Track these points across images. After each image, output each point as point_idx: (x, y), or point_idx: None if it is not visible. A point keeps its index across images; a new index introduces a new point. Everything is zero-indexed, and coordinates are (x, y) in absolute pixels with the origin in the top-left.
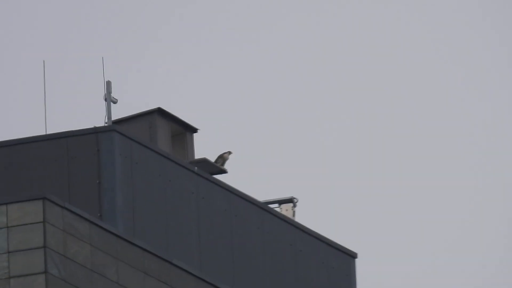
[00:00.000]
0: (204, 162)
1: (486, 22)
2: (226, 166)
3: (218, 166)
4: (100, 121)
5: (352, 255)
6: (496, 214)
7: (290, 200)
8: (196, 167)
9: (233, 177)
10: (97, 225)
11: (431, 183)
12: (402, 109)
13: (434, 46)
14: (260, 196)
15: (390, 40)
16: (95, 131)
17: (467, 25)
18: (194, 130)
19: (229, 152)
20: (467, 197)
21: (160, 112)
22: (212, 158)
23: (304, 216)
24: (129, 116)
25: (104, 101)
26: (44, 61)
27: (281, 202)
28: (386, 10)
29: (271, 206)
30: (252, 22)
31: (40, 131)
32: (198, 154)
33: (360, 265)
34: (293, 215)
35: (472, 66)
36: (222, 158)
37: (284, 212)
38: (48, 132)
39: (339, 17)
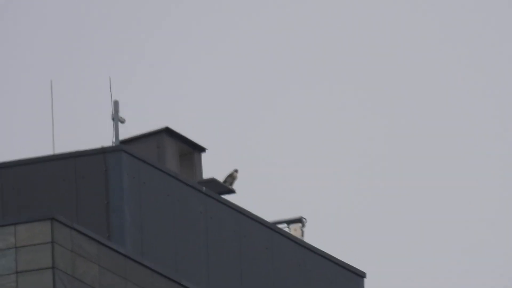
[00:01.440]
0: (212, 182)
1: (486, 22)
2: (234, 185)
3: (227, 186)
4: (107, 141)
5: (361, 275)
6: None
7: (299, 220)
8: (204, 187)
9: (241, 197)
10: (105, 245)
11: (441, 206)
12: (413, 119)
13: (434, 46)
14: (269, 216)
15: (389, 40)
16: (103, 151)
17: (467, 25)
18: (202, 149)
19: (236, 171)
20: (481, 221)
21: (167, 131)
22: (220, 178)
23: (312, 236)
24: (136, 135)
25: (112, 121)
26: (51, 81)
27: (289, 222)
28: (386, 10)
29: (280, 226)
30: (262, 40)
31: (47, 151)
32: (206, 174)
33: (369, 284)
34: (302, 235)
35: (473, 66)
36: (232, 177)
37: (293, 232)
38: (56, 152)
39: (338, 17)
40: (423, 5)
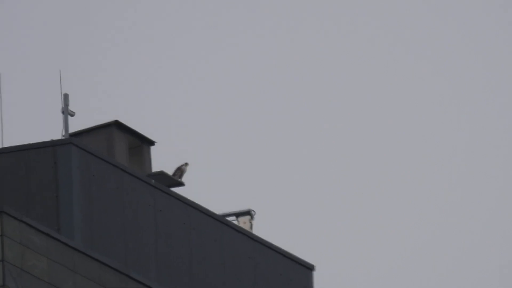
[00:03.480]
0: (161, 174)
1: (486, 22)
2: (184, 178)
3: (177, 178)
4: (57, 134)
5: (310, 267)
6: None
7: (248, 213)
8: (153, 180)
9: (190, 190)
10: (54, 238)
11: (390, 192)
12: (358, 116)
13: (435, 45)
14: (218, 208)
15: (388, 40)
16: (52, 144)
17: (468, 25)
18: (151, 142)
19: (186, 164)
20: (427, 204)
21: (117, 125)
22: (169, 171)
23: (261, 229)
24: (86, 129)
25: (62, 114)
26: (0, 74)
27: (238, 214)
28: (385, 9)
29: (229, 218)
30: (204, 32)
31: None
32: (155, 167)
33: (317, 276)
34: (251, 227)
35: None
36: (180, 170)
37: (241, 225)
38: (5, 145)
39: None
40: (423, 5)
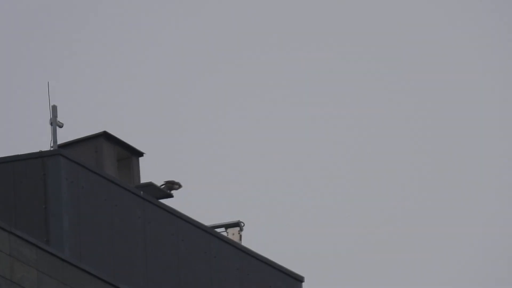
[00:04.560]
0: (150, 186)
1: (487, 21)
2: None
3: (165, 190)
4: (46, 146)
5: (299, 279)
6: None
7: (237, 224)
8: (142, 191)
9: (179, 201)
10: (43, 249)
11: (380, 202)
12: (348, 127)
13: (434, 45)
14: (207, 220)
15: (387, 39)
16: (40, 155)
17: (469, 25)
18: (140, 154)
19: (180, 186)
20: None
21: (105, 136)
22: (158, 182)
23: (250, 240)
24: (74, 140)
25: (50, 125)
26: None
27: (227, 226)
28: (386, 9)
29: (218, 230)
30: (201, 42)
31: None
32: (144, 178)
33: None
34: (240, 239)
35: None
36: (171, 183)
37: (230, 236)
38: None
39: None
40: (423, 5)
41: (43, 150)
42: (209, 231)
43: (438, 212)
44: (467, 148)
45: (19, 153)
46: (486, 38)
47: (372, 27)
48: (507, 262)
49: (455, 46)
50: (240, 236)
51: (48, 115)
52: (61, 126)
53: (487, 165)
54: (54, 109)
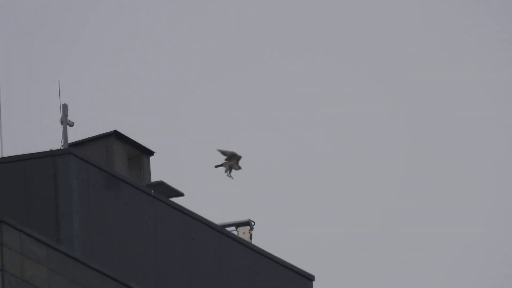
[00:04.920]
0: (160, 185)
1: (487, 21)
2: (184, 188)
3: (225, 161)
4: (56, 144)
5: (310, 278)
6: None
7: (247, 223)
8: (152, 190)
9: (190, 200)
10: (54, 248)
11: (391, 202)
12: (357, 127)
13: (435, 45)
14: (217, 219)
15: (387, 39)
16: (51, 154)
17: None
18: (151, 153)
19: (239, 167)
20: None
21: (116, 135)
22: (169, 181)
23: (261, 239)
24: (85, 139)
25: (61, 124)
26: None
27: (238, 225)
28: (386, 9)
29: (228, 229)
30: (210, 42)
31: None
32: (154, 177)
33: (318, 287)
34: (250, 238)
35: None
36: (234, 158)
37: (241, 235)
38: (4, 155)
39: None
40: (424, 5)
41: (53, 149)
42: (219, 230)
43: (437, 212)
44: (467, 148)
45: (30, 152)
46: (486, 38)
47: (372, 27)
48: (507, 262)
49: (455, 46)
50: (251, 235)
51: (59, 114)
52: (71, 125)
53: (487, 165)
54: (64, 108)
